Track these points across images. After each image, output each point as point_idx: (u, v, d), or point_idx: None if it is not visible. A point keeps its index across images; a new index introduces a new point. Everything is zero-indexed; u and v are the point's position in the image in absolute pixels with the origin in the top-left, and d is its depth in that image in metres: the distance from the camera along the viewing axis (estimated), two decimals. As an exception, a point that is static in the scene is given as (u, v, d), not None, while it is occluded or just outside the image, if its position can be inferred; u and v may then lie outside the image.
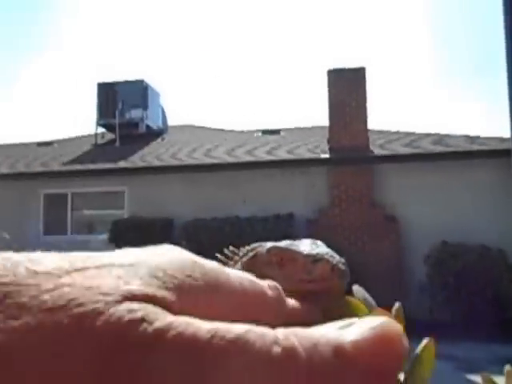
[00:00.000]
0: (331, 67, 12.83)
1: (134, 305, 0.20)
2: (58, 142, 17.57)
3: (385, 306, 0.36)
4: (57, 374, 0.18)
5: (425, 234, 10.94)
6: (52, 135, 30.20)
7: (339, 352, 0.22)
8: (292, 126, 16.43)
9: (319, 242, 0.46)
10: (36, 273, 0.20)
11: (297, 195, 12.04)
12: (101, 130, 16.88)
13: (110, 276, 0.21)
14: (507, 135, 10.28)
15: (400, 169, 11.77)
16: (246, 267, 0.47)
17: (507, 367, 0.41)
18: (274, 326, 0.22)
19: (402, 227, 11.37)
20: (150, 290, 0.21)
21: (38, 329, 0.18)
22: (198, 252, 0.29)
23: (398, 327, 0.24)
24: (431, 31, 53.69)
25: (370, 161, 12.03)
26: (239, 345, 0.20)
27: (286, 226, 11.04)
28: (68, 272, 0.21)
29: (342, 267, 0.43)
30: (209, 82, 59.69)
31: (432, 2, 48.00)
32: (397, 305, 0.29)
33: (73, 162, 14.19)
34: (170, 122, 18.72)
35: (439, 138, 12.86)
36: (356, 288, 0.40)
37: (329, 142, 12.69)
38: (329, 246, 0.46)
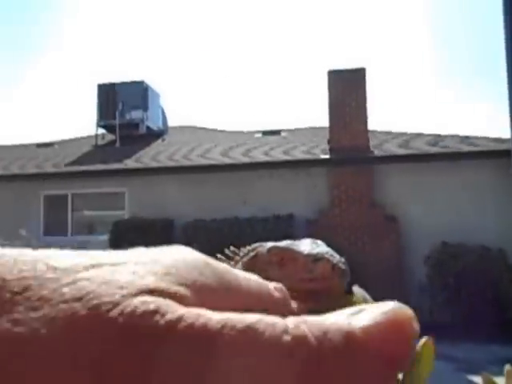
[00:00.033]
0: (331, 68, 12.85)
1: (148, 298, 0.20)
2: (58, 143, 17.58)
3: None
4: (73, 361, 0.18)
5: (425, 235, 10.95)
6: (52, 136, 30.22)
7: (350, 338, 0.22)
8: (292, 126, 16.44)
9: (319, 242, 0.46)
10: (55, 268, 0.21)
11: (297, 196, 12.04)
12: (101, 131, 16.88)
13: (125, 272, 0.22)
14: (507, 136, 10.31)
15: (400, 169, 11.77)
16: (247, 267, 0.47)
17: (507, 367, 0.41)
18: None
19: (402, 227, 11.37)
20: (164, 285, 0.22)
21: (56, 319, 0.19)
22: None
23: (409, 311, 0.24)
24: (431, 31, 53.72)
25: (370, 161, 12.03)
26: (249, 334, 0.20)
27: (286, 227, 11.05)
28: (85, 268, 0.22)
29: (343, 266, 0.43)
30: (209, 83, 59.71)
31: (432, 2, 48.02)
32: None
33: (73, 163, 14.20)
34: (171, 123, 18.73)
35: (439, 139, 12.86)
36: (356, 289, 0.40)
37: (329, 142, 12.70)
38: (329, 246, 0.46)
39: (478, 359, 7.45)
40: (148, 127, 16.70)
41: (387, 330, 0.23)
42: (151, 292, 0.21)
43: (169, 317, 0.20)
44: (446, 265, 9.84)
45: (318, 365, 0.21)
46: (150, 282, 0.21)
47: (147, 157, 13.93)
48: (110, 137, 16.61)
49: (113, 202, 13.51)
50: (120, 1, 58.35)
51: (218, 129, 17.58)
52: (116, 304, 0.20)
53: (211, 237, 10.72)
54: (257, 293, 0.27)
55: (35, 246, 0.24)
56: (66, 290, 0.20)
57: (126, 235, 11.55)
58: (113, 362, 0.19)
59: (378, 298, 0.41)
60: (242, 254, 0.50)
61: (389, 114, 37.88)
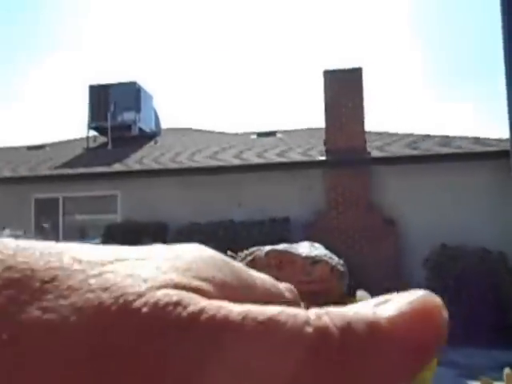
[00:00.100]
0: (327, 68, 12.86)
1: (171, 291, 0.21)
2: (49, 145, 17.54)
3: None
4: (99, 349, 0.19)
5: (423, 237, 10.95)
6: (43, 139, 30.18)
7: (374, 328, 0.22)
8: (288, 127, 16.46)
9: (317, 245, 0.46)
10: (80, 261, 0.22)
11: (293, 198, 12.04)
12: (93, 133, 16.84)
13: (149, 266, 0.22)
14: (504, 136, 10.34)
15: (398, 171, 11.78)
16: None
17: (506, 370, 0.41)
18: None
19: (400, 230, 11.39)
20: (186, 280, 0.22)
21: (84, 308, 0.20)
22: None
23: (437, 299, 0.24)
24: (424, 32, 53.85)
25: (368, 162, 12.04)
26: (271, 326, 0.21)
27: (282, 230, 11.04)
28: (110, 261, 0.22)
29: (341, 268, 0.44)
30: (203, 84, 59.69)
31: (428, 4, 48.14)
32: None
33: (64, 165, 14.17)
34: (164, 124, 18.72)
35: (438, 140, 12.88)
36: (360, 292, 0.40)
37: (325, 143, 12.70)
38: (326, 249, 0.46)
39: (479, 364, 7.46)
40: (140, 129, 16.66)
41: (414, 318, 0.22)
42: (175, 286, 0.21)
43: (191, 308, 0.20)
44: (445, 267, 9.84)
45: (341, 355, 0.21)
46: (174, 276, 0.22)
47: (140, 159, 13.92)
48: (102, 139, 16.58)
49: (105, 206, 13.49)
50: (112, 1, 58.32)
51: (212, 130, 17.58)
52: (140, 295, 0.20)
53: (206, 240, 10.52)
54: (271, 292, 0.28)
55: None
56: (92, 281, 0.21)
57: (118, 239, 11.52)
58: (135, 352, 0.19)
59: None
60: (239, 257, 0.50)
61: (385, 115, 37.96)
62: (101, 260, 0.22)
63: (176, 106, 43.00)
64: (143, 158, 13.95)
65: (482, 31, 46.76)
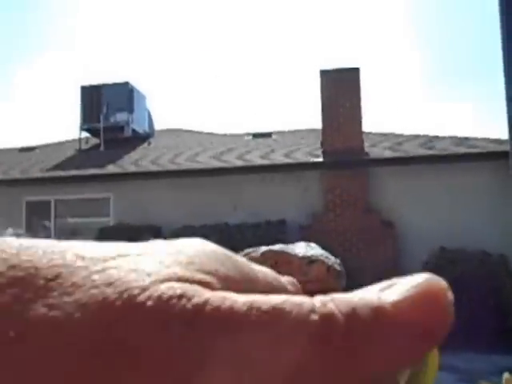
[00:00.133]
0: (324, 67, 12.86)
1: (175, 284, 0.21)
2: (41, 147, 17.52)
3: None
4: (104, 344, 0.19)
5: (422, 240, 10.95)
6: (34, 140, 30.12)
7: (379, 313, 0.22)
8: (284, 128, 16.47)
9: (313, 245, 0.46)
10: (83, 257, 0.23)
11: (289, 200, 12.04)
12: (85, 134, 16.84)
13: (151, 261, 0.23)
14: (503, 137, 10.36)
15: (396, 172, 11.78)
16: None
17: (506, 375, 0.41)
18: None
19: (399, 232, 11.39)
20: (190, 273, 0.23)
21: (88, 304, 0.20)
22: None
23: (442, 282, 0.23)
24: (424, 32, 53.94)
25: (365, 164, 12.04)
26: (276, 315, 0.21)
27: (277, 233, 11.03)
28: (112, 257, 0.23)
29: (338, 268, 0.43)
30: (197, 85, 59.67)
31: (424, 4, 48.24)
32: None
33: (56, 167, 14.15)
34: (157, 126, 18.72)
35: (436, 141, 12.89)
36: None
37: (322, 144, 12.70)
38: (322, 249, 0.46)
39: (479, 369, 7.46)
40: (134, 130, 16.64)
41: (419, 302, 0.22)
42: (179, 279, 0.22)
43: (195, 300, 0.21)
44: (444, 270, 9.82)
45: (347, 341, 0.21)
46: (177, 270, 0.22)
47: (133, 161, 13.90)
48: (94, 140, 16.56)
49: (97, 209, 13.46)
50: (104, 1, 58.27)
51: (207, 132, 17.58)
52: (144, 289, 0.21)
53: (200, 244, 10.67)
54: (273, 285, 0.28)
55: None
56: (95, 277, 0.21)
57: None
58: (140, 346, 0.20)
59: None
60: None
61: (382, 115, 38.00)
62: (103, 256, 0.23)
63: (169, 107, 42.99)
64: (136, 160, 13.93)
65: (481, 31, 46.90)
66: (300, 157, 12.70)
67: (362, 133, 12.49)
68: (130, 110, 16.34)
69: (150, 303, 0.20)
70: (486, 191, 11.20)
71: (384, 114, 37.06)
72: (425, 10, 51.59)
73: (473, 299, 9.30)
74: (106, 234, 11.97)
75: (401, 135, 13.90)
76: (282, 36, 62.55)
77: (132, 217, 12.41)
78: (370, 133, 13.56)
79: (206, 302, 0.21)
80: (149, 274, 0.22)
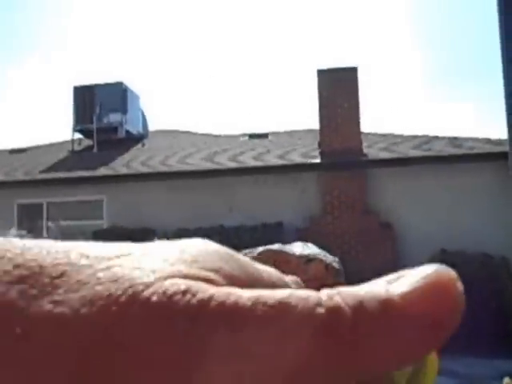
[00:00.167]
0: (321, 67, 12.84)
1: (179, 280, 0.22)
2: (32, 149, 17.46)
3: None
4: (109, 340, 0.20)
5: (422, 242, 10.91)
6: (26, 142, 30.05)
7: (387, 306, 0.22)
8: (280, 129, 16.44)
9: (310, 244, 0.42)
10: (87, 256, 0.23)
11: (286, 202, 12.00)
12: (77, 135, 16.80)
13: (156, 259, 0.23)
14: (502, 137, 10.35)
15: (395, 173, 11.75)
16: None
17: (506, 380, 0.37)
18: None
19: (398, 235, 11.36)
20: (194, 271, 0.23)
21: (94, 300, 0.21)
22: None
23: (452, 272, 0.24)
24: (424, 32, 54.08)
25: (364, 165, 12.01)
26: (281, 309, 0.21)
27: (274, 235, 10.97)
28: (117, 256, 0.23)
29: (337, 266, 0.39)
30: (192, 85, 59.69)
31: (424, 4, 48.36)
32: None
33: (48, 169, 14.11)
34: (151, 126, 18.67)
35: (435, 141, 12.87)
36: None
37: (320, 145, 12.67)
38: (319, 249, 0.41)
39: (480, 374, 7.43)
40: (127, 131, 16.59)
41: (428, 293, 0.22)
42: (184, 277, 0.22)
43: (200, 296, 0.21)
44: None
45: (354, 335, 0.21)
46: (182, 268, 0.23)
47: (126, 162, 13.86)
48: (87, 142, 16.51)
49: (91, 211, 13.42)
50: (97, 0, 58.27)
51: (202, 132, 17.54)
52: (148, 285, 0.21)
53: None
54: (277, 285, 0.27)
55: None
56: (100, 274, 0.22)
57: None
58: (144, 342, 0.20)
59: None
60: None
61: (380, 115, 38.07)
62: (107, 255, 0.23)
63: (164, 108, 43.00)
64: (130, 162, 13.89)
65: (482, 31, 47.04)
66: (296, 158, 12.66)
67: (360, 133, 12.46)
68: (124, 111, 16.29)
69: (154, 299, 0.21)
70: (486, 192, 11.17)
71: (385, 115, 37.11)
72: (426, 9, 51.76)
73: (474, 302, 9.25)
74: (99, 237, 11.92)
75: (400, 136, 13.87)
76: (278, 35, 62.70)
77: (126, 219, 12.37)
78: (368, 133, 13.54)
79: (210, 298, 0.21)
80: (153, 271, 0.22)
